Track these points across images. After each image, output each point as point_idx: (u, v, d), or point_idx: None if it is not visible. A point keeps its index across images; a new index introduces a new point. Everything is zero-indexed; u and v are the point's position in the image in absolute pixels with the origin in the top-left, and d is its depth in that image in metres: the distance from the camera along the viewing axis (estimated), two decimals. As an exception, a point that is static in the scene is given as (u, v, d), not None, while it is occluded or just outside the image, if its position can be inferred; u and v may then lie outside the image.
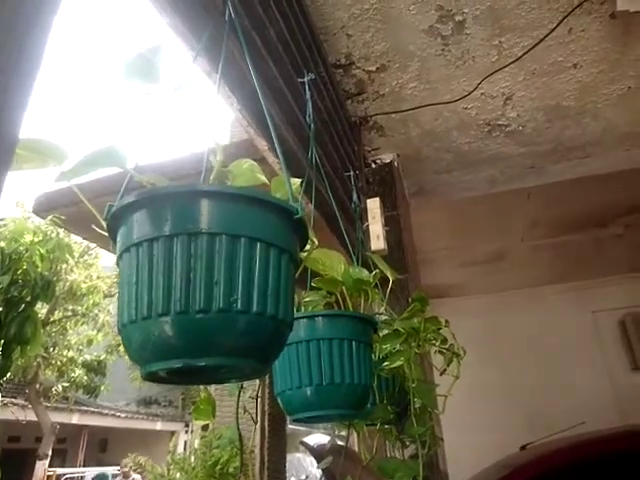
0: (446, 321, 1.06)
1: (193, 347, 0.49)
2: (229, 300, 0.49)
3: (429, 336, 1.03)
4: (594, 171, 2.71)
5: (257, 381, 1.05)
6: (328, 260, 1.08)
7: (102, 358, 10.55)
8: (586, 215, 3.53)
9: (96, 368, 10.39)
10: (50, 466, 9.20)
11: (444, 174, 2.63)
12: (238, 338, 0.51)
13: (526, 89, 2.09)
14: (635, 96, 2.18)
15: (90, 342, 10.12)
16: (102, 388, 10.48)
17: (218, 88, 0.87)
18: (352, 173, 1.81)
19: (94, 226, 0.59)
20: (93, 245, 9.72)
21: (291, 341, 0.95)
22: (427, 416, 0.99)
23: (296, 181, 0.73)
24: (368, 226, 1.94)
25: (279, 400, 0.96)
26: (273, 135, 0.79)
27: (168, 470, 1.97)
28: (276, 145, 0.76)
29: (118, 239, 0.55)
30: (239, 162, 0.79)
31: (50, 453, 9.18)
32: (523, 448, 3.70)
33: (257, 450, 2.34)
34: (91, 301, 8.59)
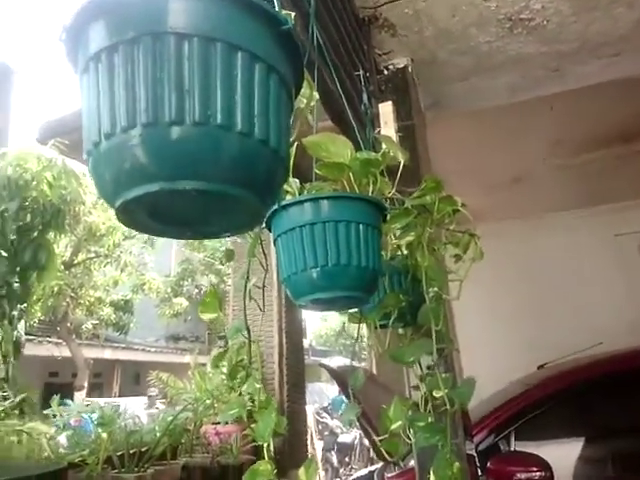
0: (462, 204, 0.98)
1: (169, 168, 0.43)
2: (205, 112, 0.42)
3: (444, 217, 0.96)
4: (624, 72, 2.50)
5: (262, 271, 1.01)
6: (333, 146, 1.00)
7: (129, 297, 10.89)
8: (611, 128, 3.32)
9: (123, 307, 10.75)
10: (88, 397, 9.81)
11: (461, 82, 2.46)
12: (222, 160, 0.44)
13: (554, -27, 1.88)
14: (678, -23, 1.95)
15: (116, 282, 10.38)
16: (131, 325, 10.91)
17: None
18: (362, 72, 1.68)
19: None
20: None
21: (295, 225, 0.90)
22: (440, 304, 0.95)
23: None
24: (380, 132, 1.84)
25: (286, 286, 0.93)
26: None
27: (190, 384, 2.05)
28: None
29: (78, 63, 0.48)
30: None
31: (86, 385, 9.75)
32: (541, 367, 3.76)
33: (275, 366, 2.40)
34: (111, 241, 8.74)
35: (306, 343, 12.48)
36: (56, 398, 1.61)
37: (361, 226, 0.90)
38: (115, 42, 0.43)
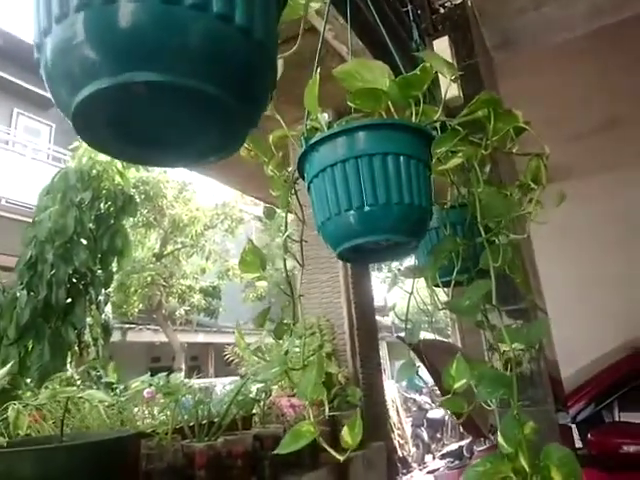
0: (527, 122, 0.82)
1: (114, 58, 0.35)
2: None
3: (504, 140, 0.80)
4: None
5: (300, 225, 0.93)
6: (369, 73, 0.88)
7: (216, 284, 11.47)
8: None
9: (212, 293, 11.34)
10: (186, 379, 10.52)
11: (531, 12, 2.17)
12: (172, 43, 0.36)
13: None
14: None
15: (203, 270, 11.00)
16: (220, 310, 11.50)
17: None
18: (410, 7, 1.52)
19: None
20: (188, 182, 10.30)
21: (325, 165, 0.80)
22: (502, 241, 0.80)
23: None
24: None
25: (321, 235, 0.84)
26: None
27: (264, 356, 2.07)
28: None
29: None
30: None
31: (184, 367, 10.44)
32: (648, 331, 3.36)
33: (347, 337, 2.33)
34: (193, 231, 9.19)
35: (389, 321, 12.35)
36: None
37: (401, 158, 0.78)
38: None
